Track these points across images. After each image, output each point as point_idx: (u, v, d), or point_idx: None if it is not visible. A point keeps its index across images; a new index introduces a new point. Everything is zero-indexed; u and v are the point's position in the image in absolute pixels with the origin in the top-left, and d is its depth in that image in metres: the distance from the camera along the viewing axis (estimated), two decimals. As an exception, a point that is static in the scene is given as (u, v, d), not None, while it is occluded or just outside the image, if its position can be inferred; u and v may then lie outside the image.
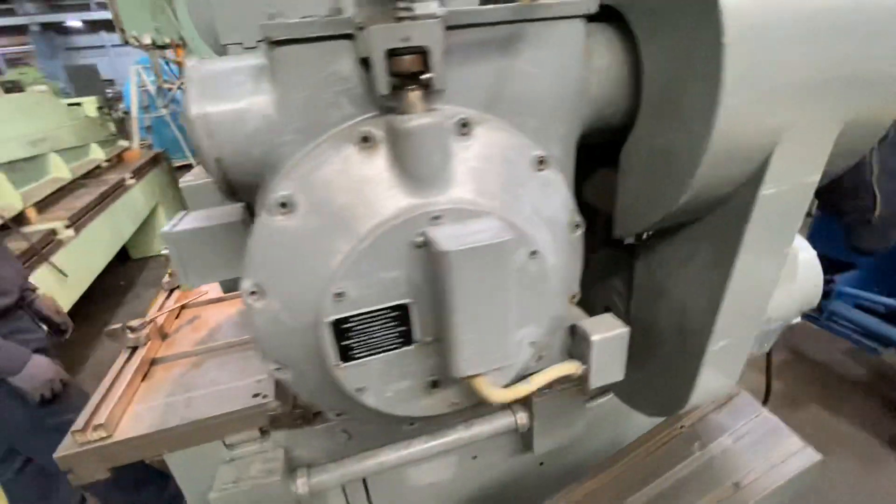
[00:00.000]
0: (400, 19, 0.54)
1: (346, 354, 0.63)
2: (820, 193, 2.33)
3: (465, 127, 0.63)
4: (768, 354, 1.93)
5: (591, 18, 0.74)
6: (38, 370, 1.55)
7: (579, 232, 0.76)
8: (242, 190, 0.66)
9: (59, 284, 2.78)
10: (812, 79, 0.59)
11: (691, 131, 0.60)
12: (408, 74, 0.56)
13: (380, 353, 0.64)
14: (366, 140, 0.60)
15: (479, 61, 0.65)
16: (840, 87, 0.61)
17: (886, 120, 0.69)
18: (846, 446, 2.23)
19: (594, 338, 0.84)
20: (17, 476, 1.78)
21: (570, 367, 0.87)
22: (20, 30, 19.49)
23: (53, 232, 3.02)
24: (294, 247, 0.61)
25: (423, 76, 0.57)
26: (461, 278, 0.54)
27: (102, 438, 1.16)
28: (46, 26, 19.79)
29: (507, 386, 0.76)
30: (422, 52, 0.55)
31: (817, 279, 1.14)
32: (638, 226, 0.78)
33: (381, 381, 0.67)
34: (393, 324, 0.63)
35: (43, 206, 3.38)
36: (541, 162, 0.68)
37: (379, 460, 1.30)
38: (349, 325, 0.61)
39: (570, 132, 0.73)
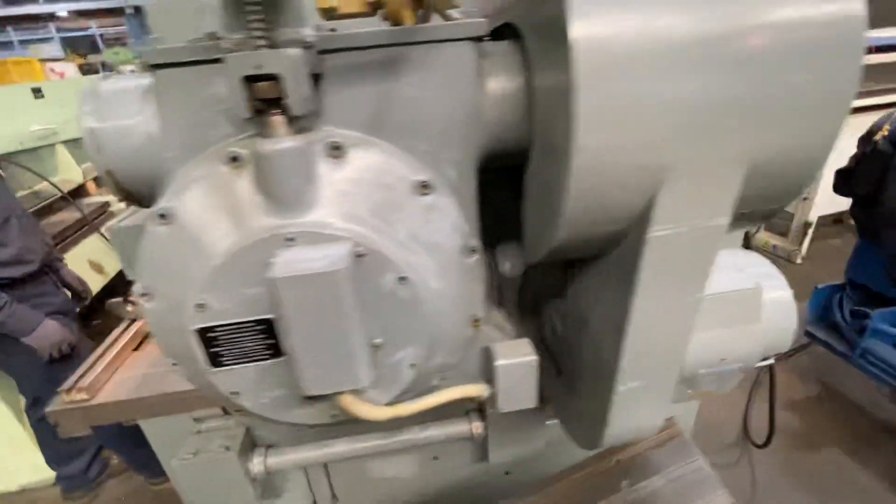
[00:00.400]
0: (257, 47, 0.55)
1: (215, 361, 0.67)
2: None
3: (336, 150, 0.63)
4: (771, 394, 1.78)
5: (497, 37, 0.71)
6: (48, 333, 1.77)
7: (475, 257, 0.74)
8: (142, 198, 0.71)
9: (106, 252, 3.11)
10: (690, 117, 0.53)
11: (558, 168, 0.57)
12: (268, 99, 0.58)
13: (249, 362, 0.67)
14: (234, 160, 0.62)
15: (360, 84, 0.65)
16: (732, 126, 0.55)
17: (813, 158, 0.61)
18: (864, 500, 2.00)
19: (498, 363, 0.83)
20: (43, 421, 2.06)
21: (474, 390, 0.87)
22: (118, 12, 21.41)
23: (107, 204, 3.36)
24: (170, 256, 0.65)
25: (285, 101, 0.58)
26: (289, 304, 0.55)
27: (84, 400, 1.30)
28: (139, 9, 21.58)
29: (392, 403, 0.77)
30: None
31: (788, 321, 1.03)
32: (533, 256, 0.75)
33: (256, 387, 0.70)
34: (260, 336, 0.66)
35: (103, 179, 3.77)
36: (424, 187, 0.67)
37: (333, 450, 1.35)
38: (215, 334, 0.65)
39: (466, 157, 0.71)
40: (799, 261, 3.99)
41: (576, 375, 0.97)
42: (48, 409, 1.29)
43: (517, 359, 0.84)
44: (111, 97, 0.64)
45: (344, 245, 0.59)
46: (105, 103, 0.64)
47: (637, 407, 0.83)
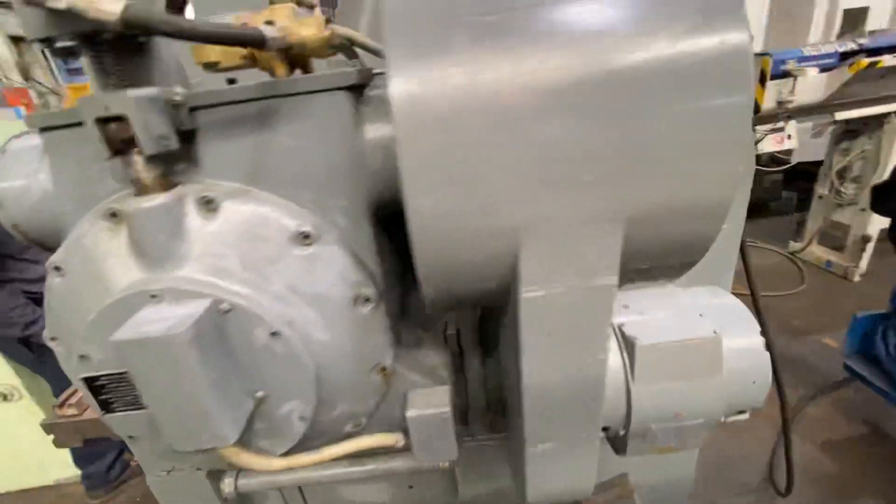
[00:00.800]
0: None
1: (106, 407, 0.69)
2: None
3: (208, 203, 0.63)
4: (787, 437, 1.59)
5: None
6: (70, 344, 1.93)
7: (370, 306, 0.71)
8: (53, 249, 0.74)
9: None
10: (537, 175, 0.48)
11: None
12: (125, 140, 0.58)
13: (138, 409, 0.69)
14: (113, 216, 0.64)
15: (237, 136, 0.65)
16: (593, 182, 0.49)
17: (713, 207, 0.53)
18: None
19: (409, 413, 0.80)
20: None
21: (388, 439, 0.84)
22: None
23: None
24: (64, 307, 0.68)
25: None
26: (133, 366, 0.55)
27: (75, 415, 1.40)
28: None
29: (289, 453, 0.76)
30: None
31: (758, 373, 0.91)
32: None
33: (150, 432, 0.72)
34: (144, 386, 0.67)
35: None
36: (305, 237, 0.66)
37: (299, 475, 1.35)
38: (100, 383, 0.66)
39: (355, 204, 0.69)
40: (857, 279, 3.56)
41: (509, 425, 0.91)
42: (43, 421, 1.39)
43: (429, 410, 0.80)
44: (15, 155, 0.68)
45: (201, 303, 0.59)
46: (8, 161, 0.68)
47: (556, 469, 0.76)
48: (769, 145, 3.15)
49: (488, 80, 0.46)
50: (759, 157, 3.77)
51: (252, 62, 0.66)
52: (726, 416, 0.95)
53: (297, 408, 0.70)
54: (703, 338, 0.87)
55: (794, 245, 4.13)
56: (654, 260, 0.59)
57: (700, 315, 0.92)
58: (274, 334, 0.64)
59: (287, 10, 0.63)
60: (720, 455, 2.25)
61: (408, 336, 0.93)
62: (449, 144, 0.47)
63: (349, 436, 0.85)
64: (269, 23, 0.61)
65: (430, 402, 0.81)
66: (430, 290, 0.58)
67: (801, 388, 2.57)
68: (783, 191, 5.16)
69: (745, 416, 1.03)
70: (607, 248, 0.54)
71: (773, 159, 3.95)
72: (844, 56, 2.65)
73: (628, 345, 0.85)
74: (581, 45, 0.46)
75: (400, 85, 0.46)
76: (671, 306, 0.96)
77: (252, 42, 0.54)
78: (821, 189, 3.80)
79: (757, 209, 5.24)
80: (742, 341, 0.92)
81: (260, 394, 0.68)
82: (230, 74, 0.74)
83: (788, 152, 3.74)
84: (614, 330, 0.91)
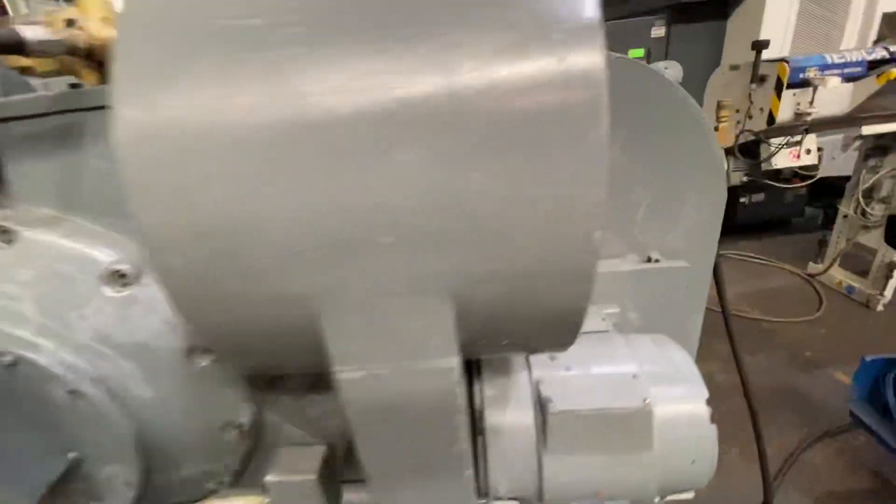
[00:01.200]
0: None
1: None
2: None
3: (3, 234, 0.54)
4: (766, 490, 1.42)
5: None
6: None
7: (208, 358, 0.61)
8: None
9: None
10: (311, 233, 0.36)
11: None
12: None
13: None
14: None
15: (42, 156, 0.55)
16: (392, 244, 0.36)
17: (568, 278, 0.40)
18: None
19: (267, 478, 0.69)
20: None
21: (250, 501, 0.73)
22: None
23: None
24: None
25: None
26: None
27: None
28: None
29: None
30: None
31: (701, 451, 0.76)
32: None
33: None
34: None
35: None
36: (120, 276, 0.56)
37: None
38: None
39: (190, 238, 0.58)
40: (880, 308, 3.27)
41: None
42: None
43: (292, 476, 0.69)
44: None
45: (-34, 358, 0.49)
46: None
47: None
48: (784, 160, 2.90)
49: (239, 105, 0.34)
50: (779, 172, 3.50)
51: (67, 69, 0.56)
52: (662, 496, 0.81)
53: (119, 472, 0.60)
54: (631, 407, 0.73)
55: (816, 267, 3.84)
56: (512, 337, 0.46)
57: (634, 376, 0.78)
58: (72, 392, 0.54)
59: (99, 6, 0.53)
60: (706, 501, 2.07)
61: (296, 378, 0.82)
62: (194, 190, 0.35)
63: (212, 493, 0.75)
64: (71, 21, 0.51)
65: (297, 465, 0.70)
66: (231, 363, 0.47)
67: (805, 429, 2.35)
68: (807, 207, 4.82)
69: (690, 496, 0.88)
70: (436, 325, 0.41)
71: (797, 174, 3.67)
72: (873, 65, 2.39)
73: (542, 407, 0.72)
74: (363, 62, 0.33)
75: (125, 113, 0.34)
76: (603, 360, 0.82)
77: (5, 46, 0.44)
78: (845, 208, 3.51)
79: (777, 226, 4.91)
80: (683, 408, 0.77)
81: (72, 455, 0.58)
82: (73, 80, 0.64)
83: (814, 167, 3.47)
84: (531, 386, 0.79)
